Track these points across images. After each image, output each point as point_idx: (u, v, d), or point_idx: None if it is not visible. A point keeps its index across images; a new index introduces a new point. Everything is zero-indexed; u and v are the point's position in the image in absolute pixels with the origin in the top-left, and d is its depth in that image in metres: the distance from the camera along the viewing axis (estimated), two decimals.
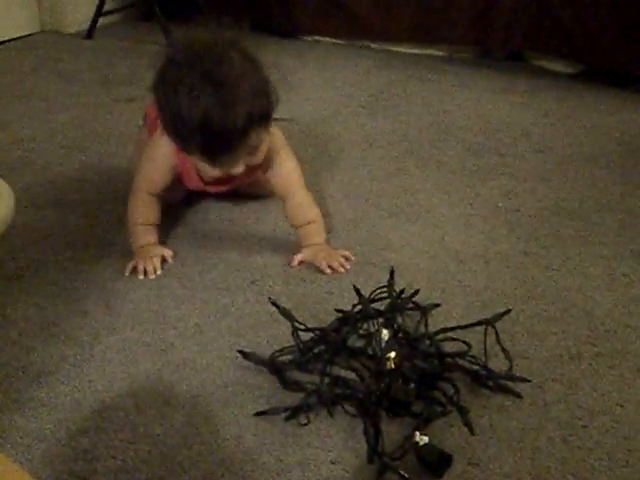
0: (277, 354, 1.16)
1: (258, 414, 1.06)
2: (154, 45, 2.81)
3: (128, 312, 1.29)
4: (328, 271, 1.39)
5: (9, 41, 2.84)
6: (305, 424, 1.05)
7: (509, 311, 1.24)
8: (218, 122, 1.20)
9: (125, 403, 1.09)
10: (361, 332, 1.21)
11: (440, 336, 1.19)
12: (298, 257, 1.42)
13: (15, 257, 1.43)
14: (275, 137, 1.41)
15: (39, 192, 1.68)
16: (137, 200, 1.44)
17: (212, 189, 1.52)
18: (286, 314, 1.22)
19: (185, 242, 1.51)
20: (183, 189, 1.54)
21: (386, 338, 1.14)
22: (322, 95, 2.35)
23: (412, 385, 1.07)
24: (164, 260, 1.42)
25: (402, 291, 1.30)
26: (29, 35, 2.93)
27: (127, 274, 1.38)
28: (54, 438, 1.02)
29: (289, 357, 1.16)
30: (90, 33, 2.90)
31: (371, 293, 1.28)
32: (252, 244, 1.51)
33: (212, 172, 1.34)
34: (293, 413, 1.06)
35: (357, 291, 1.29)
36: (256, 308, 1.30)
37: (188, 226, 1.57)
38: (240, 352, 1.16)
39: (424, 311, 1.26)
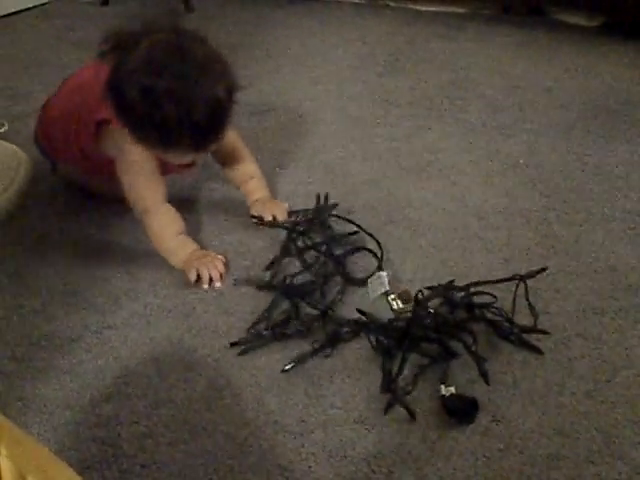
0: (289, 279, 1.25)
1: (284, 372, 1.07)
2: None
3: (149, 278, 1.29)
4: (270, 218, 1.42)
5: (24, 10, 2.82)
6: (327, 356, 1.09)
7: (545, 269, 1.23)
8: (207, 112, 1.19)
9: (147, 369, 1.09)
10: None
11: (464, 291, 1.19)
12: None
13: (34, 227, 1.44)
14: None
15: None
16: (154, 217, 1.32)
17: (183, 169, 1.45)
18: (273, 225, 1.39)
19: (201, 206, 1.50)
20: None
21: (386, 279, 1.18)
22: (342, 55, 2.32)
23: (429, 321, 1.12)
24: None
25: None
26: (44, 4, 2.91)
27: (193, 280, 1.27)
28: (78, 405, 1.03)
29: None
30: (106, 0, 2.88)
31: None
32: None
33: (185, 159, 1.33)
34: (320, 348, 1.10)
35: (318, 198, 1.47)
36: None
37: (202, 190, 1.57)
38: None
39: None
